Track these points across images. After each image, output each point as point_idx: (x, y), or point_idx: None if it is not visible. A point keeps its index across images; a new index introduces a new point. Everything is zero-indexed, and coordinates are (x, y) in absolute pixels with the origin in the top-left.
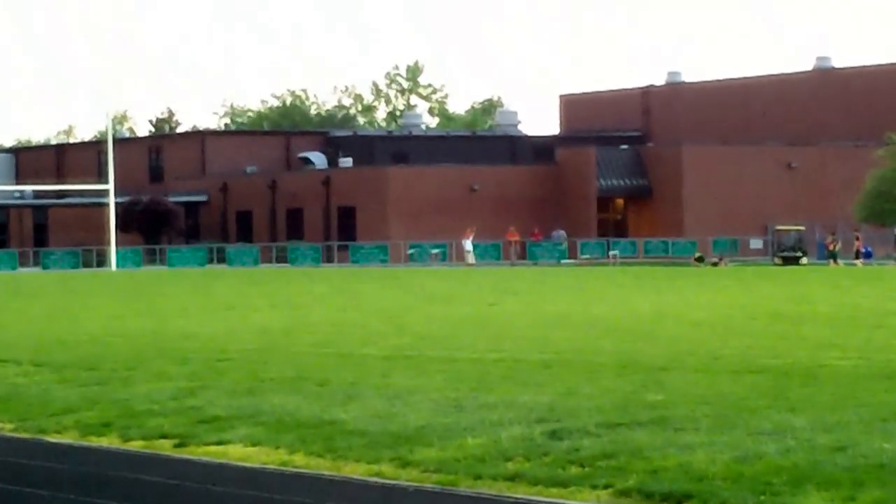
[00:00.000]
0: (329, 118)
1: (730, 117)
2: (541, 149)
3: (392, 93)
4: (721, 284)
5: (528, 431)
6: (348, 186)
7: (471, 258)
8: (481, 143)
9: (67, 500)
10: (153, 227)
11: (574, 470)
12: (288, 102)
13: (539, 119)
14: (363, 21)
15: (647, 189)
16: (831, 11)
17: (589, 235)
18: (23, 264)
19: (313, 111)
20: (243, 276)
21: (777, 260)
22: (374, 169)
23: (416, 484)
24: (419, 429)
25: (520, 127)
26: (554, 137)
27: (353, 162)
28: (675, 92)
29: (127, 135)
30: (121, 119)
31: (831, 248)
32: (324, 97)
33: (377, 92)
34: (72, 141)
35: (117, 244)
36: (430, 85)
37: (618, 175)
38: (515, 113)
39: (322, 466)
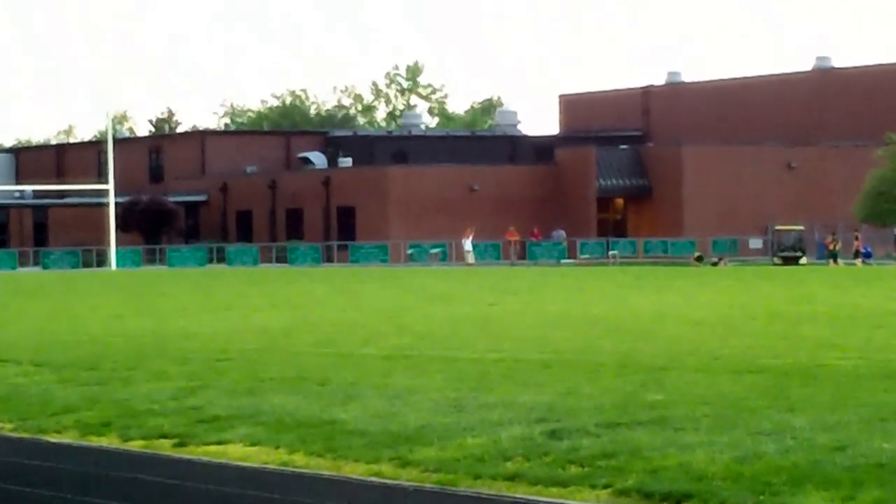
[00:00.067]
0: (329, 118)
1: (730, 117)
2: (540, 149)
3: (392, 93)
4: (721, 284)
5: (527, 431)
6: (348, 186)
7: (471, 258)
8: (481, 143)
9: (67, 500)
10: (153, 227)
11: (574, 470)
12: (288, 102)
13: (539, 119)
14: (363, 21)
15: (646, 189)
16: (831, 11)
17: (589, 235)
18: (23, 264)
19: (313, 111)
20: (243, 276)
21: (777, 260)
22: (374, 169)
23: (415, 484)
24: (419, 428)
25: (519, 127)
26: (554, 137)
27: (353, 162)
28: (675, 92)
29: (127, 135)
30: (121, 119)
31: (831, 247)
32: (324, 97)
33: (377, 92)
34: (72, 141)
35: (117, 244)
36: (429, 85)
37: (617, 175)
38: (515, 113)
39: (322, 466)
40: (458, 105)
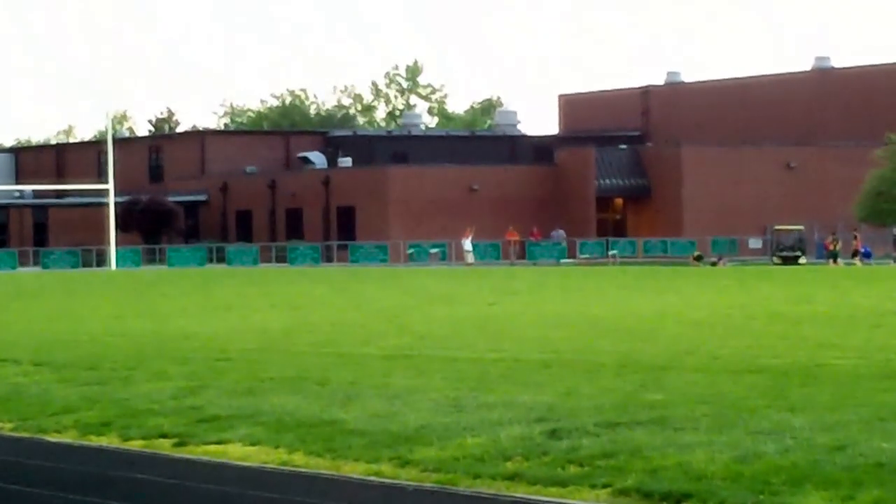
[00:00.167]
0: (329, 118)
1: (729, 117)
2: (540, 149)
3: (391, 93)
4: (720, 284)
5: (527, 431)
6: (348, 186)
7: (470, 258)
8: (481, 143)
9: (67, 500)
10: (153, 227)
11: (573, 469)
12: (287, 102)
13: (538, 119)
14: (363, 21)
15: (646, 189)
16: (830, 11)
17: (588, 235)
18: (23, 264)
19: (313, 111)
20: (243, 276)
21: (776, 260)
22: (374, 169)
23: (415, 483)
24: (419, 428)
25: (519, 127)
26: (553, 137)
27: (353, 162)
28: (675, 92)
29: (127, 135)
30: (121, 119)
31: (832, 247)
32: (323, 97)
33: (377, 92)
34: (72, 141)
35: (117, 244)
36: (429, 85)
37: (617, 175)
38: (515, 113)
39: (321, 466)
40: (458, 105)
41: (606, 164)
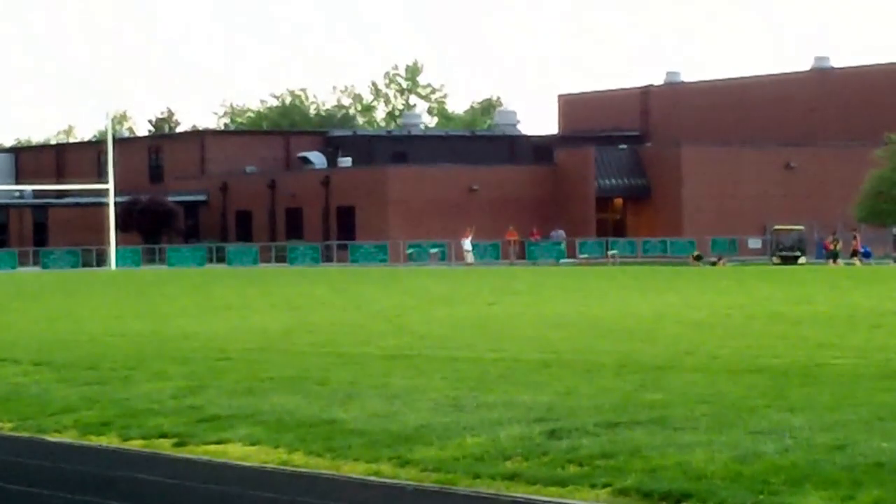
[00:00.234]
0: (328, 118)
1: (729, 117)
2: (540, 149)
3: (391, 93)
4: (720, 284)
5: (526, 431)
6: (348, 186)
7: (470, 258)
8: (480, 143)
9: (67, 500)
10: (153, 227)
11: (573, 469)
12: (287, 102)
13: (538, 119)
14: (363, 21)
15: (645, 189)
16: (830, 11)
17: (588, 235)
18: (23, 264)
19: (313, 111)
20: (243, 276)
21: (775, 260)
22: (374, 169)
23: (415, 483)
24: (418, 428)
25: (519, 127)
26: (553, 137)
27: (353, 162)
28: (674, 92)
29: (127, 135)
30: (121, 119)
31: (832, 247)
32: (323, 97)
33: (376, 92)
34: (72, 141)
35: (117, 244)
36: (429, 85)
37: (617, 175)
38: (514, 113)
39: (321, 466)
40: (458, 105)
41: (606, 164)
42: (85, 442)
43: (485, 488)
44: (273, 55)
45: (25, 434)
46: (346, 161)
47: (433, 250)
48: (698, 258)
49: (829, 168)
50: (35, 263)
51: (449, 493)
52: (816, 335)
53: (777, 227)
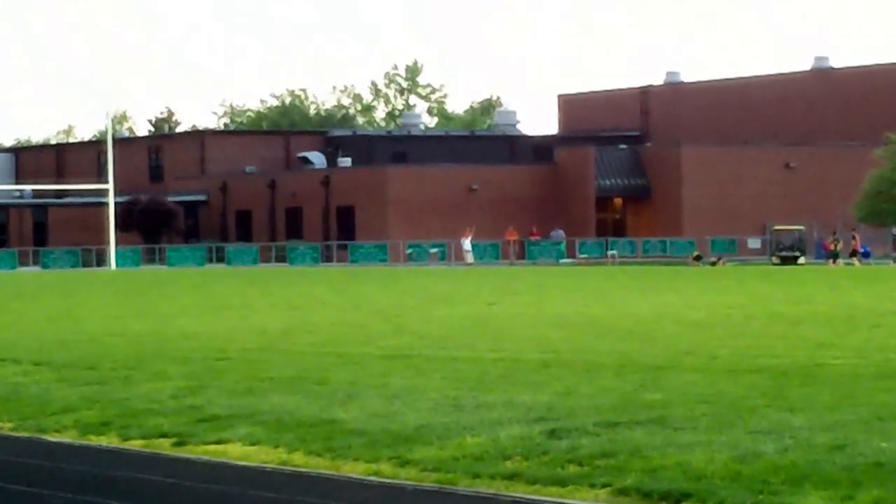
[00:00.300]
0: (328, 118)
1: (728, 117)
2: (539, 148)
3: (391, 92)
4: (719, 284)
5: (526, 431)
6: (347, 186)
7: (470, 258)
8: (480, 143)
9: (67, 500)
10: (153, 227)
11: (573, 469)
12: (287, 102)
13: (538, 119)
14: (363, 21)
15: (645, 189)
16: (830, 11)
17: (587, 235)
18: (23, 264)
19: (312, 111)
20: (242, 276)
21: (775, 259)
22: (374, 169)
23: (414, 483)
24: (418, 428)
25: (518, 127)
26: (553, 137)
27: (353, 162)
28: (674, 92)
29: (127, 135)
30: (121, 119)
31: (832, 248)
32: (323, 97)
33: (376, 92)
34: (72, 141)
35: (117, 244)
36: (428, 85)
37: (616, 175)
38: (514, 113)
39: (321, 465)
40: (458, 105)
41: (606, 163)
42: (85, 442)
43: (485, 488)
44: (273, 55)
45: (25, 434)
46: (346, 161)
47: (433, 250)
48: (698, 258)
49: (828, 168)
50: (35, 263)
51: (449, 493)
52: (816, 335)
53: (777, 227)
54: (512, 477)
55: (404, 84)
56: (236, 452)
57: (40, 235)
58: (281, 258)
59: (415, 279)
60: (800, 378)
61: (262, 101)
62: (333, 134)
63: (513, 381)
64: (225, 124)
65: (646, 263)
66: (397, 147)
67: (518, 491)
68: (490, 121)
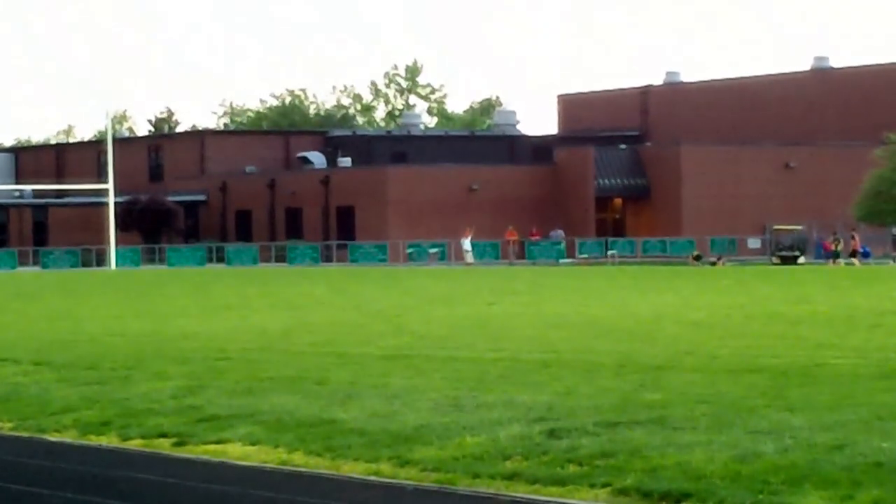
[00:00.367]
0: (328, 118)
1: (728, 117)
2: (539, 148)
3: (391, 92)
4: (719, 284)
5: (526, 430)
6: (347, 186)
7: (469, 258)
8: (480, 143)
9: (67, 499)
10: (153, 227)
11: (572, 469)
12: (287, 102)
13: (537, 119)
14: (363, 21)
15: (645, 189)
16: (830, 11)
17: (587, 235)
18: (22, 263)
19: (312, 111)
20: (242, 276)
21: (775, 259)
22: (373, 169)
23: (414, 483)
24: (418, 428)
25: (518, 127)
26: (552, 137)
27: (352, 162)
28: (674, 92)
29: (127, 134)
30: (120, 119)
31: (833, 248)
32: (323, 97)
33: (376, 92)
34: (72, 141)
35: (117, 244)
36: (428, 85)
37: (616, 175)
38: (514, 113)
39: (321, 465)
40: (457, 105)
41: (605, 163)
42: (85, 442)
43: (484, 488)
44: (273, 55)
45: (25, 434)
46: (345, 161)
47: (433, 250)
48: (698, 258)
49: (828, 168)
50: (35, 263)
51: (449, 493)
52: (816, 335)
53: (777, 226)
54: (512, 477)
55: (404, 84)
56: (236, 452)
57: (40, 235)
58: (281, 258)
59: (414, 279)
60: (799, 378)
61: (261, 101)
62: (333, 134)
63: (512, 381)
64: (225, 124)
65: (645, 263)
66: (397, 147)
67: (518, 491)
68: (490, 121)
